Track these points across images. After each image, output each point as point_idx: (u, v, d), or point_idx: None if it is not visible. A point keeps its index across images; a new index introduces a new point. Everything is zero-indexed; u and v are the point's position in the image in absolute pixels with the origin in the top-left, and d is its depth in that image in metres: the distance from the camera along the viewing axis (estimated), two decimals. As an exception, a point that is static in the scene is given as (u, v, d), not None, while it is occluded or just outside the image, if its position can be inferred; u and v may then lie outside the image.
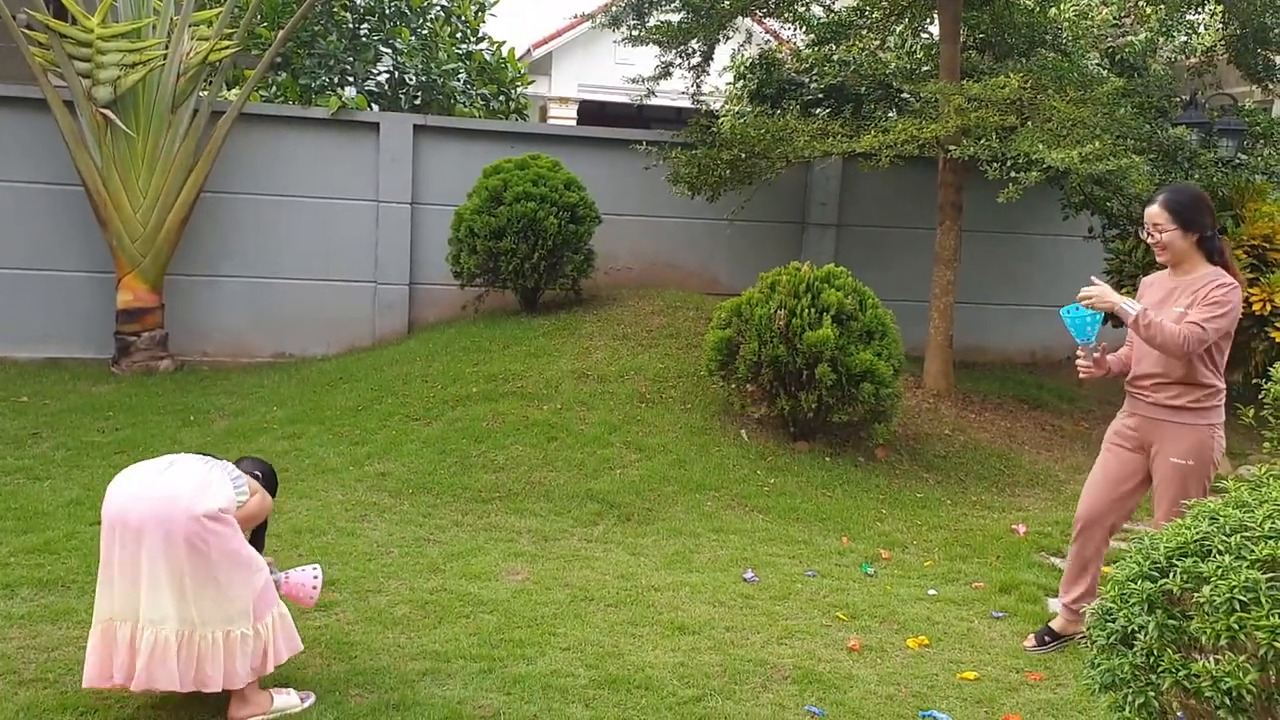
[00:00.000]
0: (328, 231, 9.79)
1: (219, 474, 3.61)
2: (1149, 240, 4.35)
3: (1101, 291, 4.24)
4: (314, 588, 3.89)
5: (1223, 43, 9.44)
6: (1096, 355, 4.44)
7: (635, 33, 9.27)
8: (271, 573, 3.75)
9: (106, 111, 8.57)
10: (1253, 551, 2.53)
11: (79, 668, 3.91)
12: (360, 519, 5.98)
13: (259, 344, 9.59)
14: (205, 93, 9.19)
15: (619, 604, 4.90)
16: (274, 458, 6.87)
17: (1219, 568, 2.54)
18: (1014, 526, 6.39)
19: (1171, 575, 2.64)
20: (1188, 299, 4.23)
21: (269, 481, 3.94)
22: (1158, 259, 4.38)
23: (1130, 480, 4.50)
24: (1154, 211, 4.31)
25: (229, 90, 10.20)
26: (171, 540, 3.39)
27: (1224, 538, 2.63)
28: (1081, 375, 4.50)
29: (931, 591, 5.33)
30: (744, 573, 5.43)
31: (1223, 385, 4.37)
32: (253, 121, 9.54)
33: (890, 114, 9.43)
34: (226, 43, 9.04)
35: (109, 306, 9.12)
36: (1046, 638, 4.66)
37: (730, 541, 5.94)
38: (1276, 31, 8.58)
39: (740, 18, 9.61)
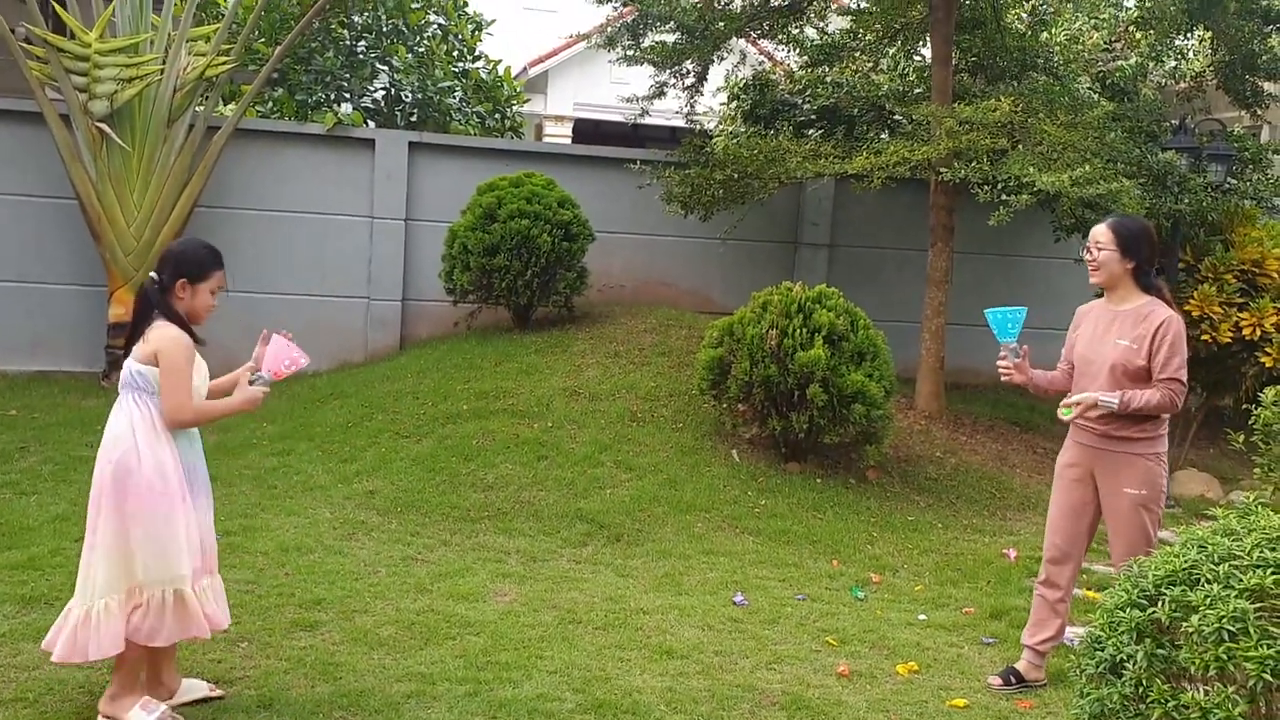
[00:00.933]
0: (322, 247, 9.79)
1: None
2: (1086, 258, 4.37)
3: (1082, 400, 4.21)
4: (286, 345, 3.88)
5: (1211, 69, 9.50)
6: (1018, 360, 4.43)
7: (630, 53, 9.31)
8: (256, 379, 3.81)
9: (102, 125, 8.56)
10: (1241, 581, 2.53)
11: (61, 687, 3.89)
12: (348, 537, 5.95)
13: (250, 358, 9.53)
14: (201, 108, 9.20)
15: (607, 627, 4.88)
16: (263, 474, 6.88)
17: (1207, 597, 2.54)
18: (1005, 551, 6.38)
19: (1160, 604, 2.64)
20: (1130, 332, 4.22)
21: (185, 269, 3.70)
22: (1091, 278, 4.40)
23: (1088, 510, 4.45)
24: (1099, 230, 4.34)
25: (225, 105, 10.20)
26: None
27: (1212, 566, 2.63)
28: (1002, 377, 4.49)
29: (921, 616, 5.31)
30: (733, 596, 5.41)
31: (1167, 415, 4.35)
32: (249, 137, 9.55)
33: (883, 136, 9.47)
34: (224, 58, 9.06)
35: (100, 320, 9.09)
36: (1012, 678, 4.52)
37: (720, 564, 5.92)
38: (1265, 58, 8.64)
39: (734, 39, 9.65)
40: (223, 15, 9.83)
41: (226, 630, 4.01)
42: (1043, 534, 6.79)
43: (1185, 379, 4.18)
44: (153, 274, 3.70)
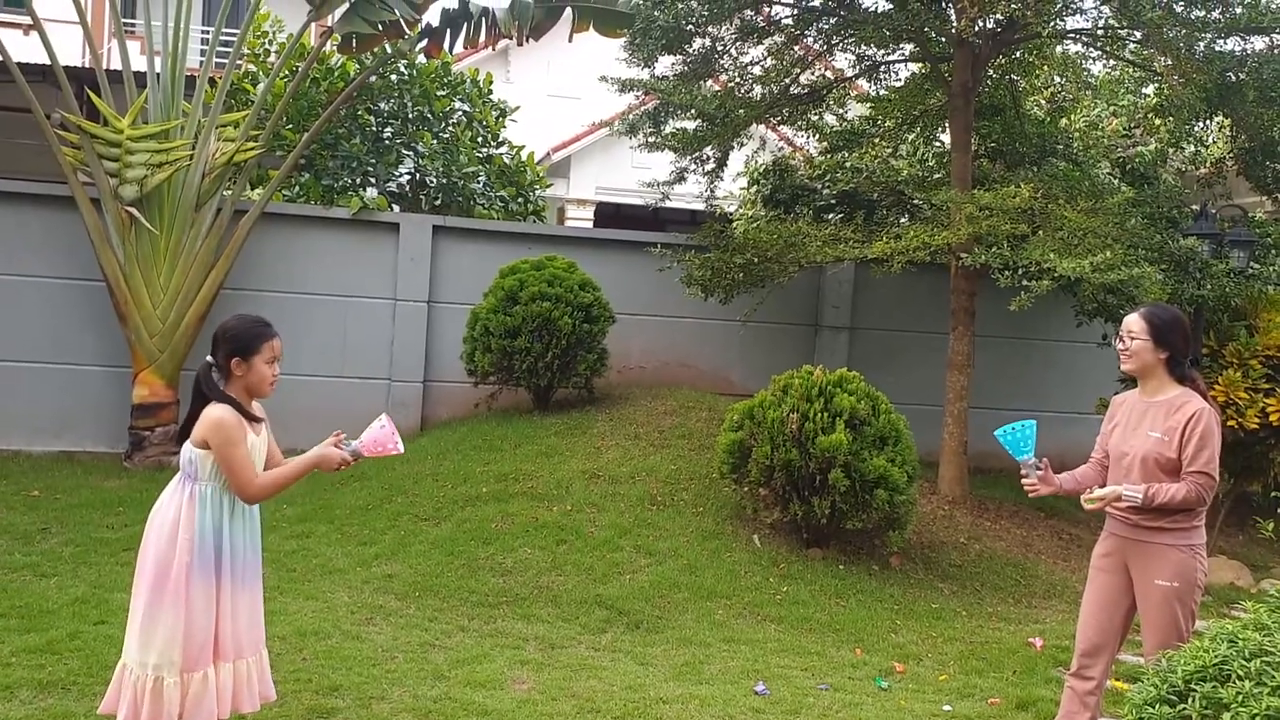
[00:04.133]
0: (345, 329, 9.88)
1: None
2: (1119, 347, 4.36)
3: (1105, 494, 4.20)
4: (390, 433, 3.84)
5: (1232, 155, 9.55)
6: (1040, 472, 4.39)
7: (651, 139, 9.45)
8: (345, 445, 3.77)
9: (132, 209, 8.73)
10: (1274, 678, 2.48)
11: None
12: (366, 622, 5.91)
13: (272, 437, 9.57)
14: (229, 191, 9.36)
15: (626, 716, 4.80)
16: (282, 557, 6.85)
17: (1239, 694, 2.48)
18: (1030, 640, 6.27)
19: (1190, 700, 2.58)
20: (1162, 424, 4.19)
21: (235, 346, 3.74)
22: (1122, 366, 4.37)
23: (1123, 602, 4.36)
24: (1132, 320, 4.32)
25: (253, 189, 10.39)
26: None
27: (1244, 662, 2.58)
28: (1029, 493, 4.44)
29: (947, 707, 5.21)
30: (755, 685, 5.32)
31: (1204, 507, 4.29)
32: (275, 220, 9.70)
33: (902, 220, 9.53)
34: (252, 144, 9.24)
35: (124, 400, 9.17)
36: None
37: (741, 652, 5.83)
38: (1285, 145, 8.68)
39: (754, 125, 9.79)
40: (252, 102, 10.06)
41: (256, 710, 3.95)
42: (1069, 622, 6.70)
43: (1215, 472, 4.12)
44: (208, 358, 3.77)
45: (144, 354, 8.94)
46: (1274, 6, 7.77)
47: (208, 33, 17.26)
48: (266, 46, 11.59)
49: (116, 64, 9.57)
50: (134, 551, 6.42)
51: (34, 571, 6.35)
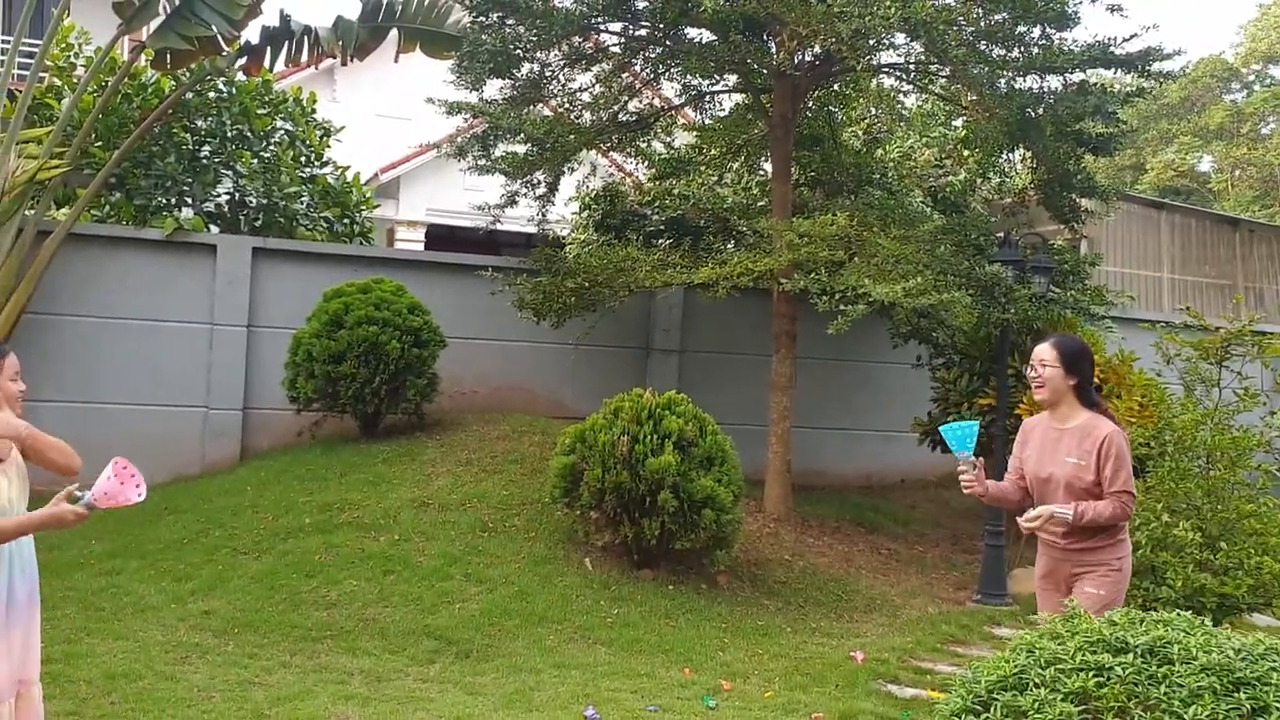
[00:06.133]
0: (157, 355, 9.46)
1: None
2: (1030, 375, 4.57)
3: (1039, 513, 4.37)
4: (128, 479, 3.61)
5: (1033, 186, 10.14)
6: (977, 471, 4.51)
7: (481, 163, 9.41)
8: (79, 499, 3.53)
9: (-80, 229, 8.17)
10: (1065, 684, 2.63)
11: None
12: (181, 661, 5.66)
13: (79, 472, 9.08)
14: (32, 211, 8.86)
15: (455, 747, 4.73)
16: (89, 596, 6.52)
17: (1035, 701, 2.62)
18: (852, 653, 6.47)
19: (993, 709, 2.71)
20: (1077, 449, 4.40)
21: None
22: (1035, 395, 4.59)
23: None
24: (1043, 348, 4.54)
25: (58, 209, 9.86)
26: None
27: (1040, 670, 2.73)
28: (965, 490, 4.54)
29: (772, 723, 5.32)
30: (585, 710, 5.32)
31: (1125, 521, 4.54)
32: (83, 241, 9.24)
33: (728, 246, 9.76)
34: (57, 161, 8.79)
35: (-88, 433, 8.53)
36: None
37: (571, 677, 5.83)
38: (1079, 177, 9.25)
39: (584, 151, 9.87)
40: (56, 118, 9.57)
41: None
42: (890, 634, 6.97)
43: (1133, 489, 4.38)
44: None
45: (-65, 383, 8.35)
46: (1066, 49, 8.29)
47: (7, 42, 16.31)
48: (72, 59, 11.03)
49: (-96, 73, 8.96)
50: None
51: None
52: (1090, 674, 2.63)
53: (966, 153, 10.77)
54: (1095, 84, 9.06)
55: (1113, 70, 8.96)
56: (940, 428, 4.57)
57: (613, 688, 5.70)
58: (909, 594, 7.92)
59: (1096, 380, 8.41)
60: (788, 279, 8.18)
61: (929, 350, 9.72)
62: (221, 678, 5.44)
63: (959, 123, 11.36)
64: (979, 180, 10.89)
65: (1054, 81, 8.72)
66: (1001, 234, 9.18)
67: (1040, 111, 8.53)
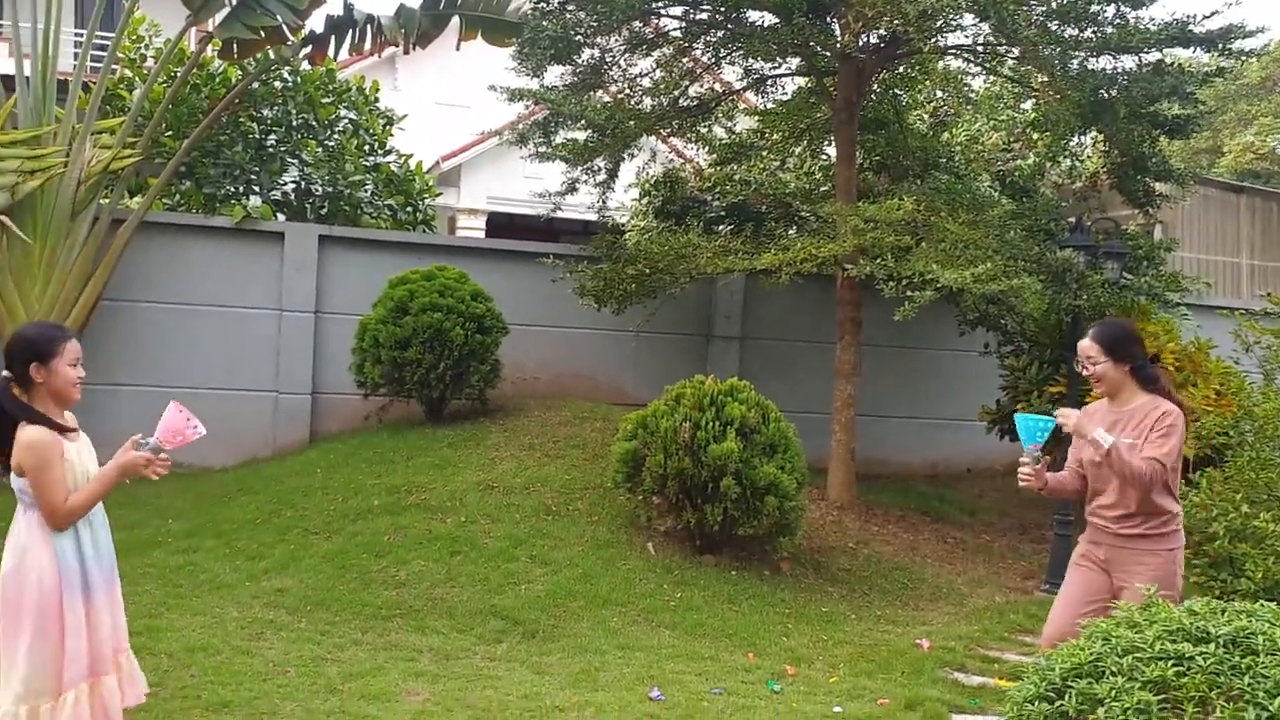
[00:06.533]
0: (229, 340, 9.64)
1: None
2: (1084, 372, 4.49)
3: (1078, 421, 4.33)
4: (185, 418, 3.68)
5: (1105, 169, 9.93)
6: (1039, 466, 4.45)
7: (542, 150, 9.43)
8: (144, 444, 3.62)
9: (3, 218, 8.38)
10: (1144, 673, 2.59)
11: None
12: (256, 637, 5.78)
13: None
14: (106, 200, 9.06)
15: (522, 727, 4.78)
16: (168, 573, 6.70)
17: (1112, 689, 2.59)
18: (918, 641, 6.42)
19: (1067, 696, 2.68)
20: (1133, 431, 4.33)
21: (32, 352, 3.53)
22: (1094, 390, 4.52)
23: (1097, 599, 4.42)
24: (1085, 345, 4.46)
25: (131, 198, 10.06)
26: None
27: (1116, 659, 2.69)
28: (1021, 483, 4.48)
29: (837, 709, 5.30)
30: (650, 691, 5.35)
31: (1179, 509, 4.45)
32: (156, 229, 9.43)
33: (790, 232, 9.70)
34: (129, 151, 8.97)
35: (-5, 416, 8.78)
36: None
37: (636, 658, 5.86)
38: (1154, 160, 9.05)
39: (644, 137, 9.86)
40: (128, 108, 9.76)
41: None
42: (955, 623, 6.91)
43: (1171, 464, 4.24)
44: (4, 372, 3.59)
45: (16, 368, 8.57)
46: (1142, 28, 8.12)
47: (80, 36, 16.67)
48: (143, 51, 11.24)
49: (-17, 66, 9.20)
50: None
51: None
52: (1170, 663, 2.59)
53: (1036, 136, 10.59)
54: (1172, 64, 8.85)
55: (1190, 49, 8.76)
56: (1016, 415, 4.48)
57: (677, 670, 5.72)
58: (975, 583, 7.85)
59: (1170, 366, 8.30)
60: (853, 264, 8.11)
61: (997, 337, 9.59)
62: (295, 653, 5.54)
63: (1028, 105, 11.17)
64: (1049, 164, 10.70)
65: (1128, 62, 8.54)
66: (1073, 219, 9.02)
67: (1114, 93, 8.35)
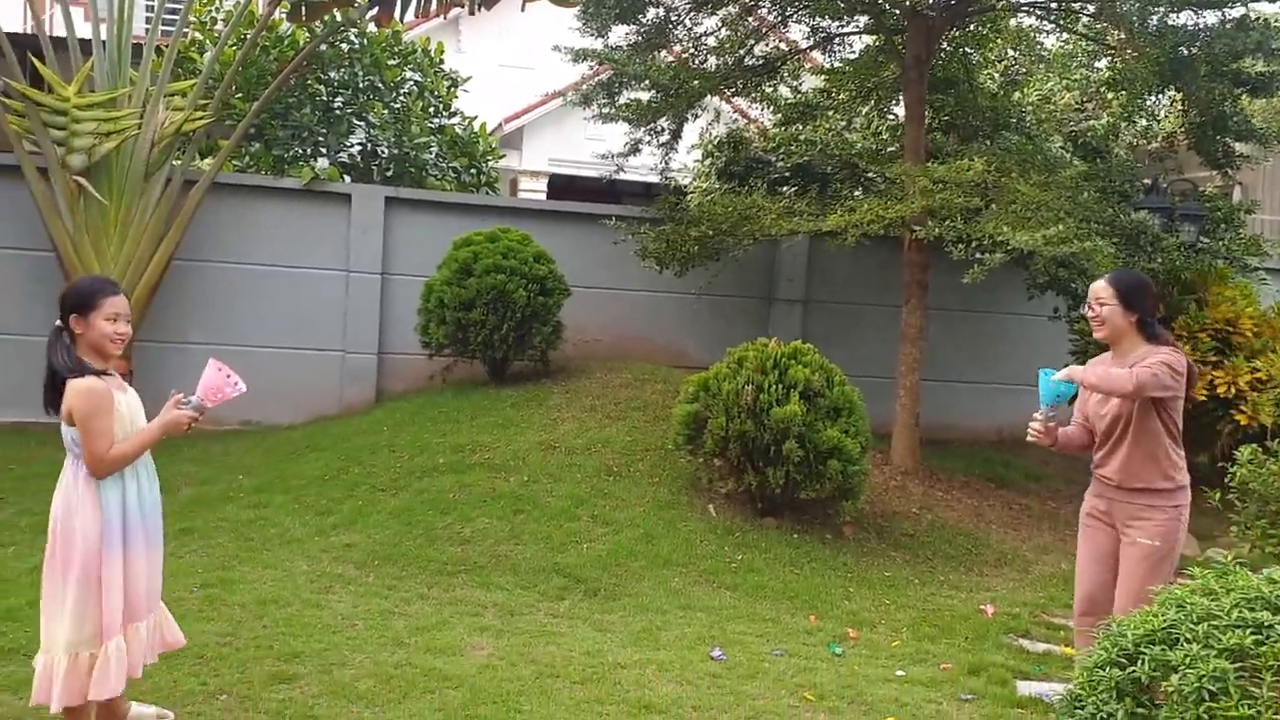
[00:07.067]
0: (297, 301, 9.78)
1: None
2: (1089, 314, 4.43)
3: (1070, 369, 4.35)
4: (225, 375, 3.82)
5: (1183, 129, 9.66)
6: (1050, 424, 4.43)
7: (605, 110, 9.40)
8: (186, 403, 3.74)
9: (80, 179, 8.55)
10: (1220, 641, 2.55)
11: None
12: (325, 590, 5.90)
13: (226, 412, 9.46)
14: (179, 161, 9.20)
15: (585, 681, 4.84)
16: (240, 527, 6.84)
17: (1187, 656, 2.55)
18: (982, 607, 6.38)
19: (1140, 663, 2.65)
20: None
21: (74, 302, 3.69)
22: (1094, 334, 4.45)
23: (1114, 556, 4.42)
24: (1099, 286, 4.40)
25: (202, 159, 10.21)
26: None
27: (1191, 626, 2.65)
28: (1030, 437, 4.48)
29: (900, 672, 5.29)
30: (711, 650, 5.38)
31: (1184, 465, 4.40)
32: (225, 190, 9.56)
33: (856, 193, 9.58)
34: (201, 113, 9.09)
35: (72, 373, 9.00)
36: None
37: (697, 619, 5.89)
38: (1235, 120, 8.78)
39: (708, 97, 9.77)
40: (200, 71, 9.88)
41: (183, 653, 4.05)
42: (1020, 589, 6.85)
43: (1159, 375, 4.15)
44: (57, 322, 3.72)
45: (92, 325, 8.78)
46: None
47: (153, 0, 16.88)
48: (213, 14, 11.37)
49: (60, 30, 9.35)
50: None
51: (-16, 544, 6.27)
52: (1248, 631, 2.54)
53: (1111, 95, 10.31)
54: (1257, 19, 8.55)
55: (1276, 3, 8.46)
56: (1040, 370, 4.42)
57: (738, 631, 5.74)
58: (1041, 550, 7.76)
59: (1249, 332, 8.10)
60: (921, 226, 8.00)
61: (1067, 301, 9.41)
62: (363, 607, 5.65)
63: (1103, 64, 10.87)
64: (1123, 124, 10.42)
65: (1210, 17, 8.28)
66: (1148, 180, 8.80)
67: (1194, 50, 8.10)
